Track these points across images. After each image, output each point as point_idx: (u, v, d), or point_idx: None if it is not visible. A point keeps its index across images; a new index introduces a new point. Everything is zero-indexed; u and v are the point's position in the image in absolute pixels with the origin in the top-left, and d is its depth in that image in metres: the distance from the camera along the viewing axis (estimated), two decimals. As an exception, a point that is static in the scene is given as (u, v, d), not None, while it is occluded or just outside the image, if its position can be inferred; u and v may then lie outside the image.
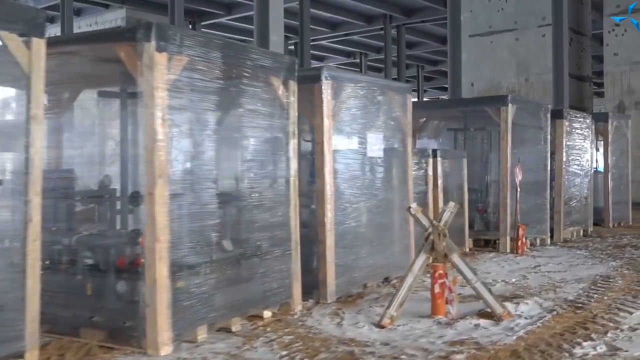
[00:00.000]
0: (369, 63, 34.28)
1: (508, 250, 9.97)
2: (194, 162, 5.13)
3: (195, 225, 4.98)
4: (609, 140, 14.33)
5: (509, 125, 9.92)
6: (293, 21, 26.29)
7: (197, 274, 4.98)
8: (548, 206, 11.05)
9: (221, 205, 5.36)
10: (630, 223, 15.05)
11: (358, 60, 34.09)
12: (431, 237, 5.85)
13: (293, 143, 6.00)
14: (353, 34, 29.30)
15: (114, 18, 24.25)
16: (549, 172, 11.08)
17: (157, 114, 4.58)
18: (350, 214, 6.70)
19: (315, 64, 36.22)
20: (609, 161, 14.34)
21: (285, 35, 28.72)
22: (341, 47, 32.34)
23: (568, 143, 11.96)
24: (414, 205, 6.06)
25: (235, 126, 5.71)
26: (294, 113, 6.01)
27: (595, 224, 14.26)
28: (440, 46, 28.47)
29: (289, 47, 28.84)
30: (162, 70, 4.61)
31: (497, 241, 10.15)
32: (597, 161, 14.35)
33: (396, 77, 29.15)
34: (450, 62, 15.76)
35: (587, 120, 12.67)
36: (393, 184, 7.44)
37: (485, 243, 10.46)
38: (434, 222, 5.94)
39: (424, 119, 11.75)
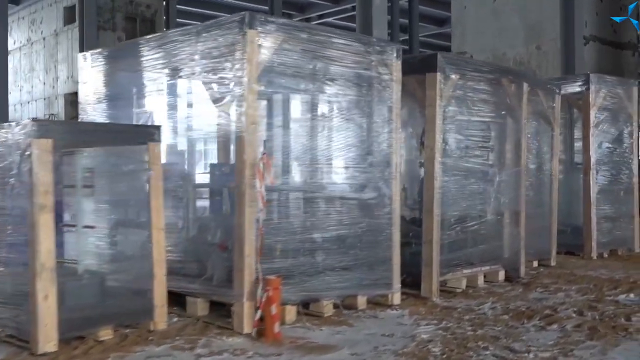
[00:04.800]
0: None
1: (246, 330, 4.68)
2: None
3: None
4: (591, 117, 8.51)
5: (253, 71, 4.63)
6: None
7: None
8: (394, 233, 5.62)
9: None
10: (638, 250, 9.12)
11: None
12: None
13: None
14: (327, 16, 23.89)
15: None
16: (395, 168, 5.64)
17: None
18: None
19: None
20: (592, 152, 8.52)
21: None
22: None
23: (462, 118, 6.44)
24: None
25: None
26: None
27: (570, 253, 8.64)
28: (439, 28, 22.42)
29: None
30: None
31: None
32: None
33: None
34: (359, 7, 10.30)
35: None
36: None
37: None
38: None
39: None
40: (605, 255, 8.65)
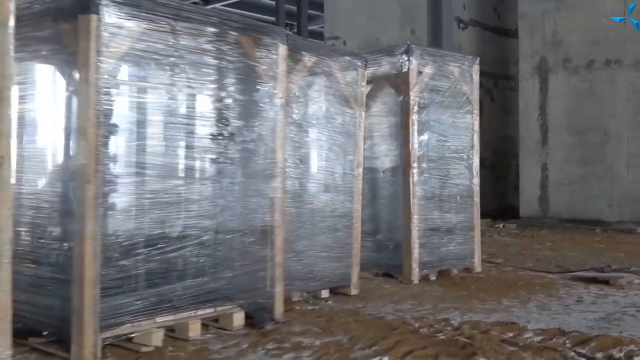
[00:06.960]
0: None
1: None
2: None
3: None
4: (411, 101, 6.51)
5: None
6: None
7: None
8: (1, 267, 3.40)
9: None
10: (479, 270, 7.19)
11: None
12: None
13: None
14: (235, 5, 21.44)
15: None
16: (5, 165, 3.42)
17: None
18: None
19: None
20: (412, 145, 6.51)
21: None
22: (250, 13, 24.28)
23: (164, 90, 4.28)
24: None
25: None
26: None
27: (389, 275, 6.68)
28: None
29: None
30: None
31: None
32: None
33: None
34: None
35: (271, 38, 4.84)
36: None
37: None
38: None
39: None
40: (433, 277, 6.67)
